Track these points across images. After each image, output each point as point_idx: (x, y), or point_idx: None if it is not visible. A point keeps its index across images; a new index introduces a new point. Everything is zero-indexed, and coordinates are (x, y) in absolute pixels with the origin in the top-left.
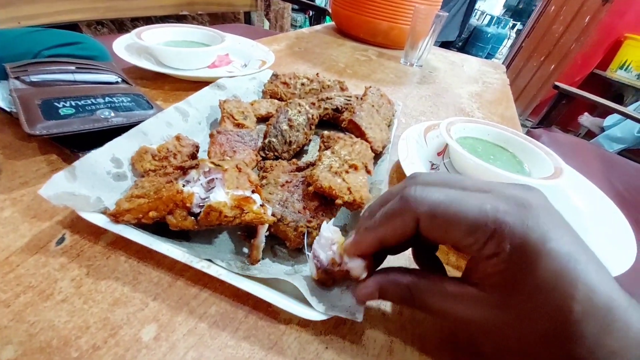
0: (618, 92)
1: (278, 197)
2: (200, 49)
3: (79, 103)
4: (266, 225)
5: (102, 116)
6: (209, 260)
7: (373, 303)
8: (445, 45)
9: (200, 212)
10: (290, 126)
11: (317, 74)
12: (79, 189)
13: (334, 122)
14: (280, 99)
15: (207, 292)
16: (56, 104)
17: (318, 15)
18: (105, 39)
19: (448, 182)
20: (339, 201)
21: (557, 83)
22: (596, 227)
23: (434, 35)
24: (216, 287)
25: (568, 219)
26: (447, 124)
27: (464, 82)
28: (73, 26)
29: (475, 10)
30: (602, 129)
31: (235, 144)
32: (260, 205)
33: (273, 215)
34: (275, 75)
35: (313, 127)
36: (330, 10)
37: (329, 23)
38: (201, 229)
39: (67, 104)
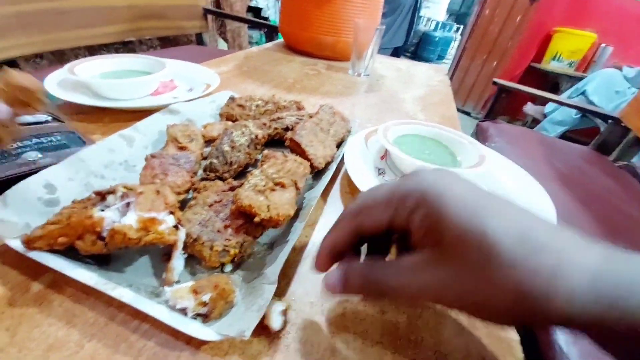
0: (554, 81)
1: (201, 217)
2: (139, 79)
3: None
4: (179, 248)
5: (30, 159)
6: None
7: (313, 311)
8: (397, 50)
9: None
10: (232, 147)
11: (274, 95)
12: (8, 216)
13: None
14: (236, 121)
15: (147, 325)
16: None
17: (271, 32)
18: (43, 73)
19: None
20: (256, 219)
21: (495, 79)
22: (520, 201)
23: (376, 45)
24: (155, 319)
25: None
26: (384, 128)
27: (409, 87)
28: (10, 62)
29: (422, 17)
30: (545, 115)
31: (168, 166)
32: (174, 226)
33: (189, 235)
34: (231, 98)
35: (259, 146)
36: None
37: (280, 40)
38: (110, 252)
39: None
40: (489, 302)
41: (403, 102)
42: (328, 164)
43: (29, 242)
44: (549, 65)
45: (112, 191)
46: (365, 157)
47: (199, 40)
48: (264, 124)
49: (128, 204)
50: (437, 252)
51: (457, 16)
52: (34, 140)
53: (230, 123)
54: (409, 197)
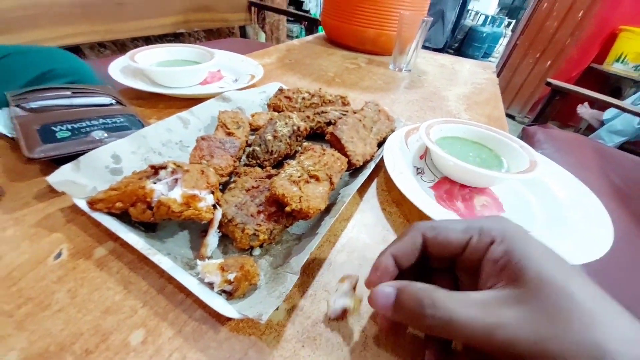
0: (616, 85)
1: (238, 200)
2: (190, 67)
3: (75, 126)
4: (215, 226)
5: (97, 137)
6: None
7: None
8: (440, 48)
9: None
10: (275, 136)
11: (320, 88)
12: (79, 179)
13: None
14: (282, 112)
15: (192, 299)
16: (53, 128)
17: (311, 26)
18: (107, 61)
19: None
20: (287, 208)
21: (549, 80)
22: (574, 215)
23: (421, 39)
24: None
25: (547, 207)
26: (426, 126)
27: (452, 84)
28: (75, 49)
29: (470, 11)
30: (602, 123)
31: (215, 149)
32: (212, 205)
33: (224, 215)
34: (280, 90)
35: (301, 138)
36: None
37: (320, 33)
38: (157, 221)
39: (64, 128)
40: (561, 353)
41: (446, 100)
42: (367, 162)
43: (92, 203)
44: (612, 67)
45: (164, 166)
46: (404, 155)
47: (242, 32)
48: (308, 117)
49: (176, 180)
50: (516, 291)
51: (510, 10)
52: (101, 120)
53: (276, 114)
54: (492, 230)
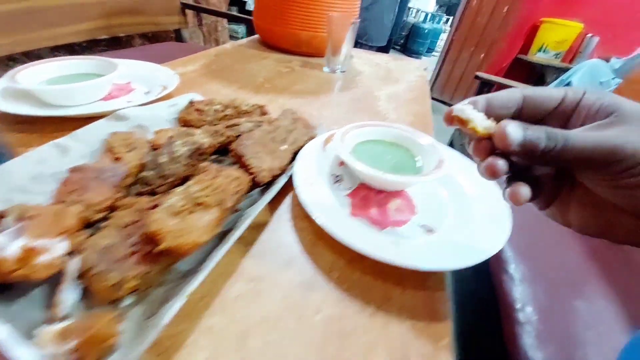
0: (541, 73)
1: (107, 241)
2: (84, 83)
3: None
4: (69, 278)
5: None
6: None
7: None
8: (387, 44)
9: None
10: (171, 158)
11: (235, 99)
12: None
13: None
14: (191, 127)
15: None
16: None
17: (251, 27)
18: None
19: None
20: (160, 247)
21: (477, 73)
22: (479, 208)
23: (352, 40)
24: None
25: (455, 201)
26: (342, 133)
27: (385, 83)
28: None
29: (411, 9)
30: None
31: (89, 182)
32: (65, 254)
33: (84, 263)
34: (191, 102)
35: (204, 156)
36: None
37: (257, 35)
38: None
39: None
40: None
41: (376, 100)
42: (278, 176)
43: None
44: (535, 56)
45: (3, 214)
46: (320, 165)
47: (178, 36)
48: (217, 131)
49: (22, 227)
50: (616, 118)
51: (448, 7)
52: None
53: (182, 129)
54: (583, 88)
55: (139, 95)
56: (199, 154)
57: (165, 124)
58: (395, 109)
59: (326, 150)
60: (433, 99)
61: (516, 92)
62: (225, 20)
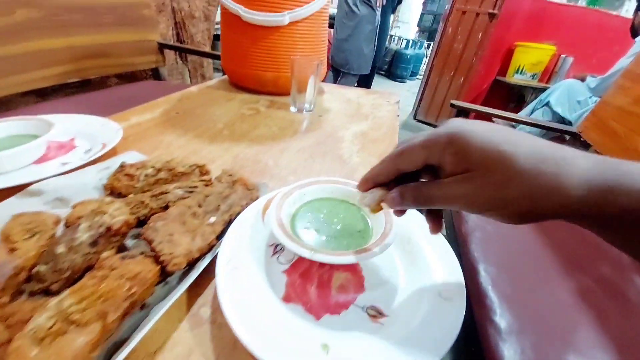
0: (520, 93)
1: None
2: (13, 150)
3: None
4: None
5: None
6: None
7: None
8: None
9: None
10: (70, 247)
11: (171, 159)
12: None
13: None
14: (120, 196)
15: None
16: None
17: None
18: None
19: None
20: None
21: (452, 102)
22: (435, 275)
23: (318, 79)
24: None
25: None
26: (282, 196)
27: (353, 121)
28: None
29: (394, 37)
30: (513, 126)
31: None
32: None
33: None
34: (121, 166)
35: (119, 238)
36: None
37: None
38: None
39: None
40: (508, 203)
41: (340, 142)
42: (200, 258)
43: None
44: (513, 78)
45: None
46: (256, 235)
47: (156, 74)
48: (142, 202)
49: None
50: (468, 175)
51: (429, 33)
52: None
53: (107, 200)
54: (440, 140)
55: (78, 155)
56: (110, 236)
57: (92, 193)
58: (359, 151)
59: (266, 217)
60: (418, 121)
61: (390, 167)
62: None
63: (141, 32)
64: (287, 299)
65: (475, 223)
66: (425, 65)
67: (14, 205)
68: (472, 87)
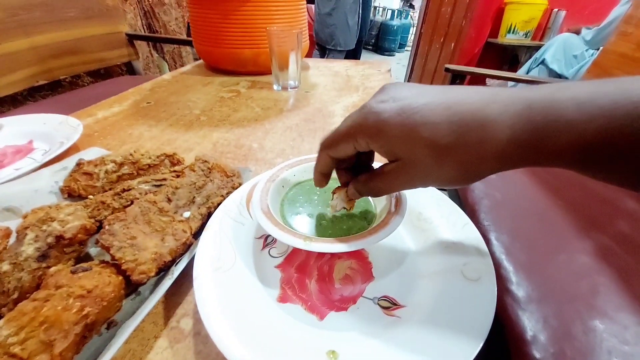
0: (514, 54)
1: None
2: None
3: None
4: None
5: None
6: None
7: None
8: (357, 46)
9: None
10: (14, 264)
11: (134, 152)
12: None
13: None
14: (80, 198)
15: None
16: None
17: None
18: None
19: None
20: None
21: (447, 65)
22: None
23: (299, 52)
24: None
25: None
26: (266, 180)
27: (342, 94)
28: None
29: (377, 8)
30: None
31: None
32: None
33: None
34: (78, 165)
35: (73, 247)
36: None
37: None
38: None
39: None
40: (447, 180)
41: (331, 117)
42: (173, 261)
43: None
44: (505, 39)
45: None
46: (239, 229)
47: (131, 69)
48: (103, 202)
49: None
50: (400, 163)
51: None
52: None
53: (65, 205)
54: (360, 130)
55: (36, 157)
56: (63, 246)
57: (48, 199)
58: None
59: (251, 206)
60: None
61: (327, 159)
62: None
63: (107, 24)
64: (283, 299)
65: (482, 191)
66: (413, 35)
67: None
68: (464, 52)
